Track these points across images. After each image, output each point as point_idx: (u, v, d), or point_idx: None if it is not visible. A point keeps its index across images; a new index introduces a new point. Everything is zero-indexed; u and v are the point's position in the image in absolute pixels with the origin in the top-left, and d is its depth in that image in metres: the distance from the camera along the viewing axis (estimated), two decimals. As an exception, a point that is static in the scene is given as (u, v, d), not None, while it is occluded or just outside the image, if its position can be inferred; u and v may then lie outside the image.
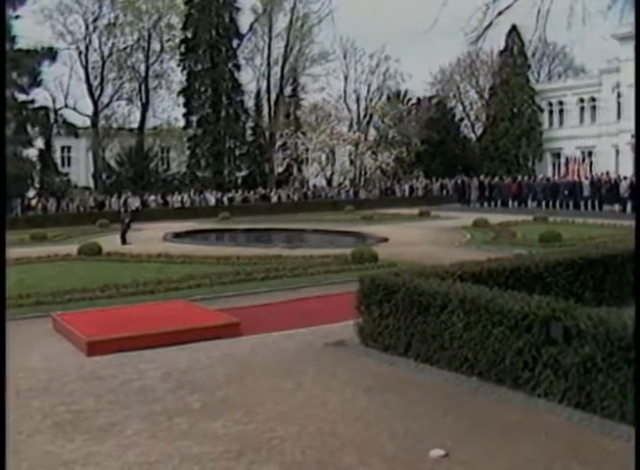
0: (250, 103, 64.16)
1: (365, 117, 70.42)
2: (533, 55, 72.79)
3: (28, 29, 50.05)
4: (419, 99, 71.12)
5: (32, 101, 49.49)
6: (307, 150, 64.04)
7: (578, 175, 50.81)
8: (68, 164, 62.62)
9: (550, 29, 13.74)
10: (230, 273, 18.69)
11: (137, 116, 63.67)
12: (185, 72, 59.96)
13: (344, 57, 69.37)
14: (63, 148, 62.17)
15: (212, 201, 51.47)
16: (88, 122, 60.99)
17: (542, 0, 13.03)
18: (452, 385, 9.11)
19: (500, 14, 13.42)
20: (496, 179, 55.02)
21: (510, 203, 50.96)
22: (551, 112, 68.63)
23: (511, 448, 7.05)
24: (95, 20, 60.13)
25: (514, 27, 63.17)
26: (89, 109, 61.40)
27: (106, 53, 61.02)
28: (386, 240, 28.10)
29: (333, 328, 12.34)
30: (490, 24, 13.48)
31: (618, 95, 59.84)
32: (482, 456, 6.88)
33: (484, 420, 7.85)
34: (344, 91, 70.10)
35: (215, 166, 58.78)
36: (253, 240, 32.94)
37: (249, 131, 63.24)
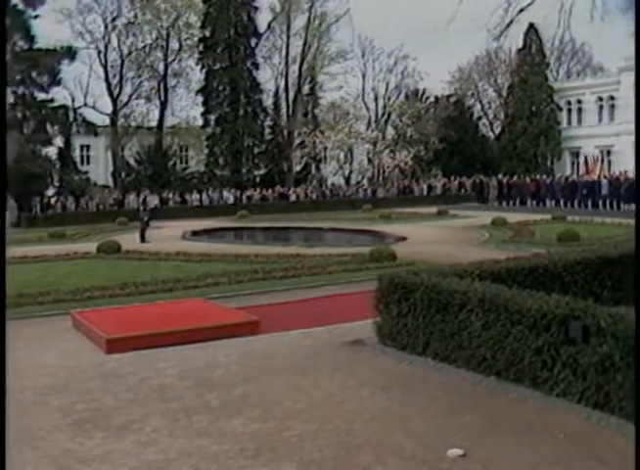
0: (268, 101, 64.12)
1: (383, 115, 70.23)
2: (552, 53, 72.50)
3: (48, 29, 50.37)
4: (437, 97, 70.79)
5: (52, 100, 49.60)
6: (325, 148, 63.90)
7: (595, 174, 50.55)
8: (88, 163, 62.73)
9: (570, 25, 13.70)
10: (248, 272, 18.72)
11: (156, 114, 63.77)
12: (203, 71, 59.94)
13: (363, 55, 69.18)
14: (82, 146, 62.24)
15: (231, 199, 51.55)
16: (107, 121, 61.13)
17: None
18: (470, 384, 9.10)
19: (522, 11, 13.40)
20: (514, 178, 54.90)
21: (528, 202, 50.88)
22: (569, 110, 68.25)
23: (529, 448, 7.04)
24: (114, 19, 60.26)
25: (532, 26, 62.84)
26: (108, 107, 61.60)
27: (125, 52, 61.14)
28: (404, 239, 28.08)
29: (351, 327, 12.35)
30: (512, 21, 13.48)
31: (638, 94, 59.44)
32: (500, 456, 6.87)
33: (503, 420, 7.84)
34: (362, 89, 69.93)
35: (234, 165, 58.79)
36: (271, 238, 32.97)
37: (267, 130, 63.13)
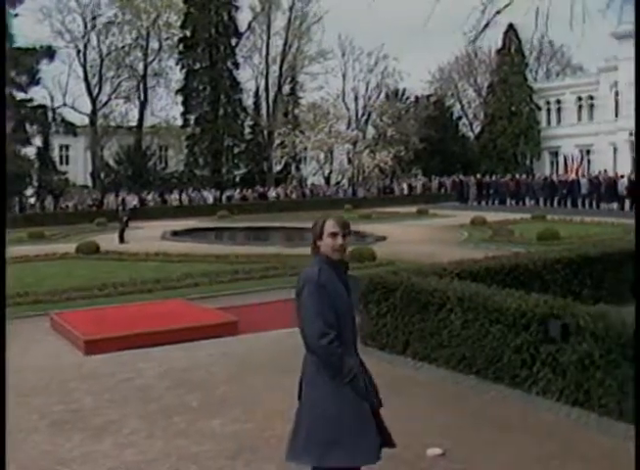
0: (248, 101, 64.40)
1: (363, 115, 70.50)
2: (531, 53, 72.89)
3: (27, 28, 50.39)
4: (417, 97, 71.11)
5: (31, 99, 49.57)
6: (306, 148, 63.98)
7: (577, 173, 50.81)
8: (67, 163, 62.63)
9: (548, 28, 13.69)
10: (228, 272, 18.68)
11: (135, 114, 63.83)
12: (183, 71, 60.01)
13: (343, 55, 69.53)
14: (61, 146, 62.13)
15: (211, 199, 51.58)
16: (86, 121, 61.02)
17: (541, -1, 12.97)
18: (450, 383, 9.11)
19: (498, 12, 13.36)
20: (494, 177, 55.13)
21: (508, 201, 51.09)
22: (549, 110, 68.70)
23: (509, 446, 7.05)
24: (94, 18, 60.24)
25: (511, 26, 63.23)
26: (87, 107, 61.51)
27: (104, 51, 61.13)
28: (384, 238, 28.10)
29: (331, 326, 12.29)
30: (488, 24, 13.44)
31: (616, 93, 59.90)
32: (480, 455, 6.88)
33: (482, 418, 7.85)
34: (343, 90, 70.25)
35: (214, 165, 58.82)
36: (252, 238, 32.93)
37: (247, 130, 63.34)
